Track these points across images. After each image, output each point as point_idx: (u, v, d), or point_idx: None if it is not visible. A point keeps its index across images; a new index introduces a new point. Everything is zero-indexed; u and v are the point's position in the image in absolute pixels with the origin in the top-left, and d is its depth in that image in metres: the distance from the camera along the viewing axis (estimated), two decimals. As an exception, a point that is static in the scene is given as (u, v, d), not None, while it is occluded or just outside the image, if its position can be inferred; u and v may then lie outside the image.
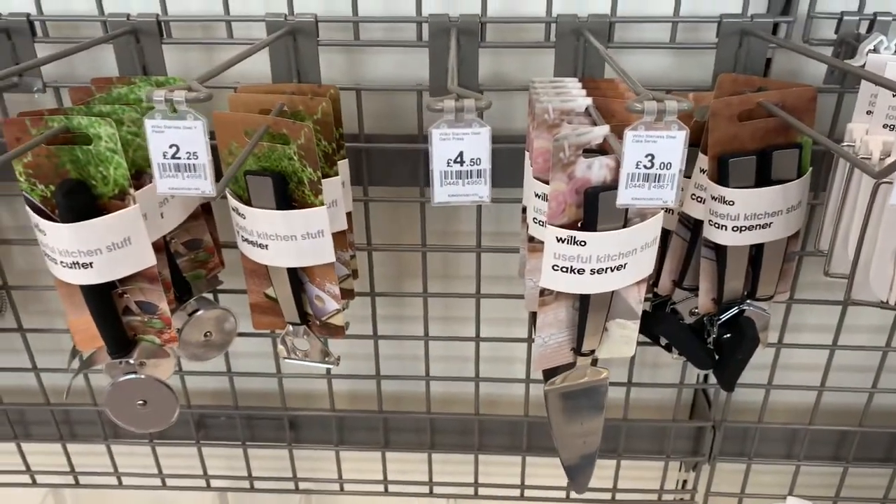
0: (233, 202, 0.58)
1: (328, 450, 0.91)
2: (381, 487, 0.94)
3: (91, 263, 0.54)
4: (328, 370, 0.83)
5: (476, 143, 0.45)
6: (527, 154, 0.61)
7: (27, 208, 0.55)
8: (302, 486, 0.94)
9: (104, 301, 0.58)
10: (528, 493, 0.92)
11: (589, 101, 0.56)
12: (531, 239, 0.59)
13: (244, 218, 0.58)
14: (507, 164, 0.65)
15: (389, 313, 0.84)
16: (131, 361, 0.61)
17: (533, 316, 0.64)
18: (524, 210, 0.64)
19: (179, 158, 0.44)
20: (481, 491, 0.93)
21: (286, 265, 0.60)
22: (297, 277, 0.62)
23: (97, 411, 0.89)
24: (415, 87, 0.68)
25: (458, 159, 0.45)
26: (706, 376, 0.87)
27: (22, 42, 0.66)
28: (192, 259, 0.68)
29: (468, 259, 0.79)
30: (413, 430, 0.90)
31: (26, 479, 0.96)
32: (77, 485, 0.96)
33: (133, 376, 0.62)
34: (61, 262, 0.54)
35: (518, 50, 0.68)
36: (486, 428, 0.89)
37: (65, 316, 0.60)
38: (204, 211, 0.67)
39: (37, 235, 0.55)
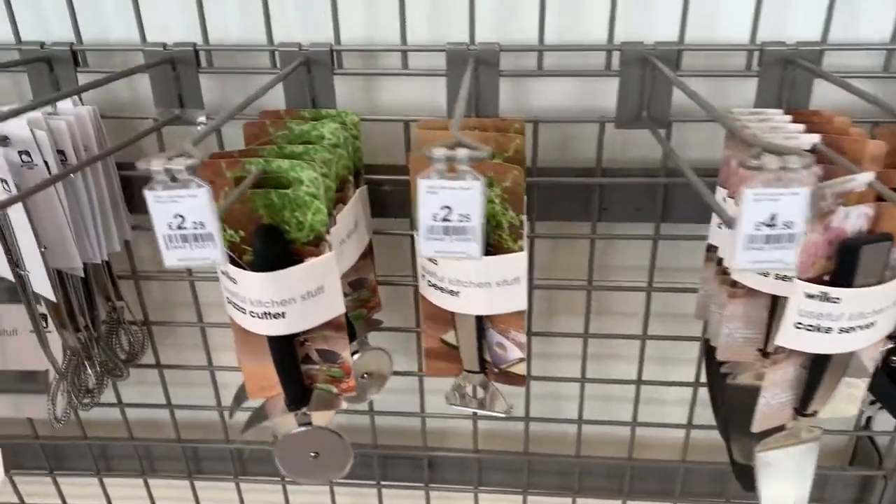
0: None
1: (466, 490, 0.87)
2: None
3: (284, 314, 0.51)
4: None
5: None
6: (719, 189, 0.56)
7: (216, 254, 0.52)
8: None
9: (289, 351, 0.55)
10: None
11: (815, 138, 0.51)
12: (734, 283, 0.54)
13: (436, 264, 0.54)
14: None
15: (538, 350, 0.80)
16: (306, 412, 0.58)
17: (710, 359, 0.60)
18: (709, 248, 0.60)
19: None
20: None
21: (477, 313, 0.56)
22: (481, 324, 0.58)
23: (229, 450, 0.87)
24: (597, 119, 0.64)
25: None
26: (868, 420, 0.81)
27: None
28: (356, 298, 0.64)
29: (620, 295, 0.75)
30: (556, 472, 0.86)
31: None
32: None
33: (307, 428, 0.59)
34: (251, 311, 0.51)
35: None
36: (635, 474, 0.84)
37: (238, 361, 0.57)
38: (369, 250, 0.63)
39: (222, 282, 0.52)
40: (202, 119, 0.65)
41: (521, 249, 0.53)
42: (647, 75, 0.60)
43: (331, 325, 0.54)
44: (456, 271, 0.53)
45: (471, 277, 0.53)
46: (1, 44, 0.65)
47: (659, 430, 0.82)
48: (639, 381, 0.76)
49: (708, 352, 0.64)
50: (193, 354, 0.81)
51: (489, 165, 0.51)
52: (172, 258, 0.41)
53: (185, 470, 0.89)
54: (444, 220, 0.41)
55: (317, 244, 0.51)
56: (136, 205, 0.66)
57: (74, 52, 0.64)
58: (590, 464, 0.84)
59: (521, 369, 0.60)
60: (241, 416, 0.63)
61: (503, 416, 0.64)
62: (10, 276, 0.60)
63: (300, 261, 0.51)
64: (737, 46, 0.60)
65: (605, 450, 0.84)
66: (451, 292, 0.55)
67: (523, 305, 0.55)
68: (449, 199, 0.40)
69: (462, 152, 0.38)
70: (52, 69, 0.64)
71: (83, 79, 0.65)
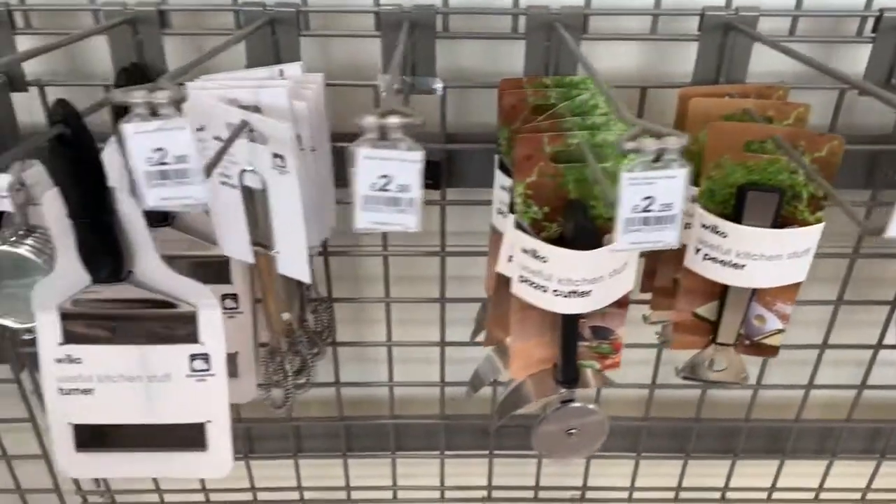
0: (710, 220, 0.53)
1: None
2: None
3: (590, 291, 0.49)
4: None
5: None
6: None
7: (516, 232, 0.50)
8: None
9: (575, 329, 0.53)
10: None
11: None
12: None
13: (724, 237, 0.53)
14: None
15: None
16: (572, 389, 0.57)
17: None
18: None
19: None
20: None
21: (760, 285, 0.55)
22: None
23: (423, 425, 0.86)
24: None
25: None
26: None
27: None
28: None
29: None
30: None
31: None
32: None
33: (577, 405, 0.57)
34: (555, 290, 0.49)
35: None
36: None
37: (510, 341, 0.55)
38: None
39: (522, 261, 0.50)
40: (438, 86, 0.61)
41: (817, 221, 0.52)
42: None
43: (617, 301, 0.53)
44: (748, 243, 0.52)
45: (763, 250, 0.52)
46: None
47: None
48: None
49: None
50: (363, 329, 0.80)
51: (802, 134, 0.49)
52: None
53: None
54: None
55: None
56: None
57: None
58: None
59: (776, 340, 0.59)
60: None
61: (738, 385, 0.64)
62: (249, 257, 0.56)
63: (599, 239, 0.49)
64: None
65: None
66: (735, 265, 0.53)
67: (804, 276, 0.54)
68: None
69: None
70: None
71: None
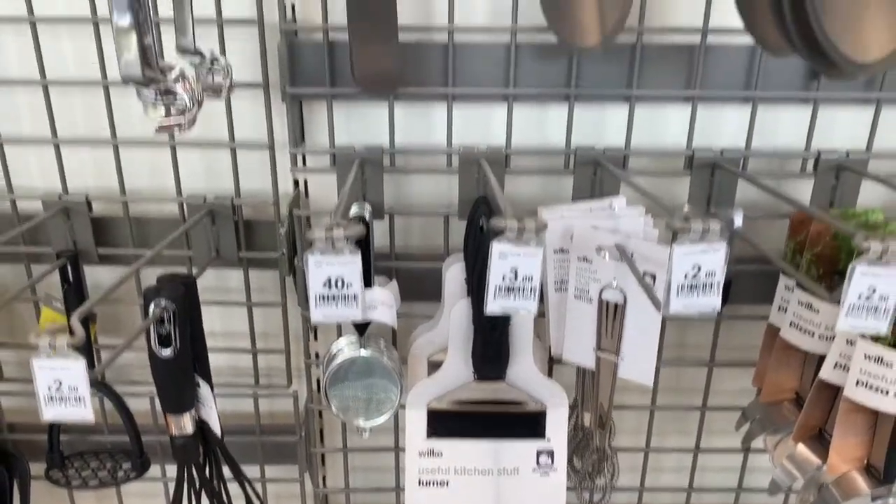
0: None
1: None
2: None
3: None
4: None
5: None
6: None
7: (863, 341, 0.57)
8: None
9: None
10: None
11: None
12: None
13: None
14: None
15: None
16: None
17: None
18: None
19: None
20: None
21: None
22: None
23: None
24: None
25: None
26: None
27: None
28: None
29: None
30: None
31: None
32: None
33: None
34: (899, 392, 0.56)
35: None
36: None
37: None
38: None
39: (864, 366, 0.57)
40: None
41: None
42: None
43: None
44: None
45: None
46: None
47: None
48: None
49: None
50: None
51: None
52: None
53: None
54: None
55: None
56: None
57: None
58: None
59: None
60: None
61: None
62: (590, 363, 0.64)
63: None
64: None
65: None
66: None
67: None
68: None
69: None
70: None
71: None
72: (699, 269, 0.45)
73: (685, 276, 0.46)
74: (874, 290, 0.45)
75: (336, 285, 0.44)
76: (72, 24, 0.67)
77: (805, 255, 0.65)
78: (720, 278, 0.46)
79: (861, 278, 0.44)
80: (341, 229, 0.43)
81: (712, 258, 0.45)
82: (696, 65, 0.67)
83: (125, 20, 0.43)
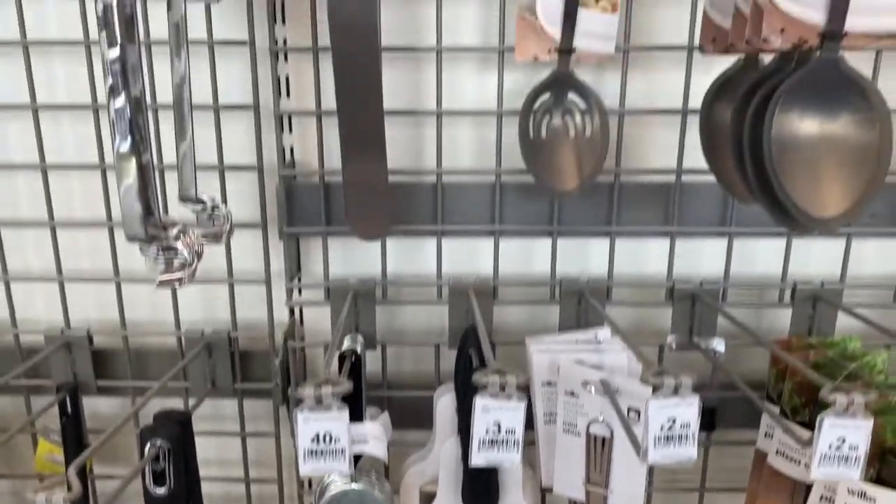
0: None
1: None
2: None
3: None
4: None
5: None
6: None
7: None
8: None
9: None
10: None
11: None
12: None
13: None
14: None
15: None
16: None
17: None
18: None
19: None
20: None
21: None
22: None
23: None
24: None
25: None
26: None
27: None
28: None
29: None
30: None
31: None
32: None
33: None
34: (885, 529, 0.56)
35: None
36: None
37: None
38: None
39: (847, 500, 0.58)
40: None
41: None
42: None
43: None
44: None
45: None
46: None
47: None
48: None
49: None
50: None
51: None
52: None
53: None
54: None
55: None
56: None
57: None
58: None
59: None
60: None
61: None
62: (580, 495, 0.65)
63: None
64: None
65: None
66: None
67: None
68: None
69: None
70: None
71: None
72: (674, 421, 0.47)
73: (661, 428, 0.47)
74: (843, 440, 0.46)
75: (324, 440, 0.46)
76: (82, 170, 0.71)
77: (786, 384, 0.66)
78: (695, 430, 0.48)
79: (830, 430, 0.46)
80: (329, 386, 0.44)
81: (685, 411, 0.47)
82: (672, 203, 0.71)
83: (130, 179, 0.47)
